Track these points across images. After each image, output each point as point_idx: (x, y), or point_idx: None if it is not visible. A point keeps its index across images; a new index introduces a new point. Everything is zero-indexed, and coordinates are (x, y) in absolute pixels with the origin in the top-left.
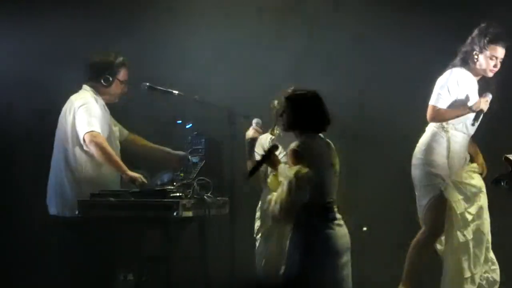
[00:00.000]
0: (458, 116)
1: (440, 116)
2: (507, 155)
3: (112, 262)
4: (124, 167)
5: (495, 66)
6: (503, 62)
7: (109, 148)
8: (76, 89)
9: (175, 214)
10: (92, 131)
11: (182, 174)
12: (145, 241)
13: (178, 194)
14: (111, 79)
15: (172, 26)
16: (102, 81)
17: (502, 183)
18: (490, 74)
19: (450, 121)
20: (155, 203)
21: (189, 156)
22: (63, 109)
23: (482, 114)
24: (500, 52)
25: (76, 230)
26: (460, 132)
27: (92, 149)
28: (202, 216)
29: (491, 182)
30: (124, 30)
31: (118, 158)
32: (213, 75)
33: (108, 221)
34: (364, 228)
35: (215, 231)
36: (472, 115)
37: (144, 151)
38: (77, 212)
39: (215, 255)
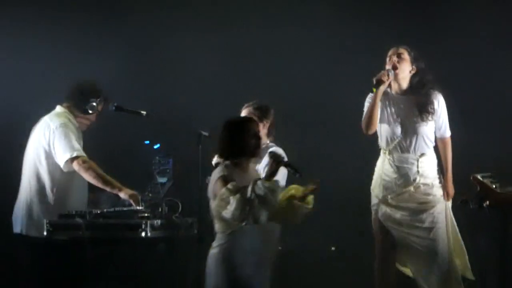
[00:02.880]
0: (373, 107)
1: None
2: (475, 175)
3: (80, 283)
4: (120, 185)
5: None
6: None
7: (100, 171)
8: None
9: (143, 234)
10: (79, 156)
11: (150, 194)
12: (113, 261)
13: (146, 214)
14: (95, 106)
15: (145, 46)
16: (86, 107)
17: (470, 204)
18: (384, 72)
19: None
20: (123, 224)
21: (157, 177)
22: (36, 129)
23: (381, 84)
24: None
25: (43, 250)
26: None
27: (84, 174)
28: (170, 237)
29: (459, 202)
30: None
31: (111, 178)
32: (182, 95)
33: (76, 241)
34: (333, 248)
35: (184, 251)
36: (401, 137)
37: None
38: (45, 233)
39: (183, 275)
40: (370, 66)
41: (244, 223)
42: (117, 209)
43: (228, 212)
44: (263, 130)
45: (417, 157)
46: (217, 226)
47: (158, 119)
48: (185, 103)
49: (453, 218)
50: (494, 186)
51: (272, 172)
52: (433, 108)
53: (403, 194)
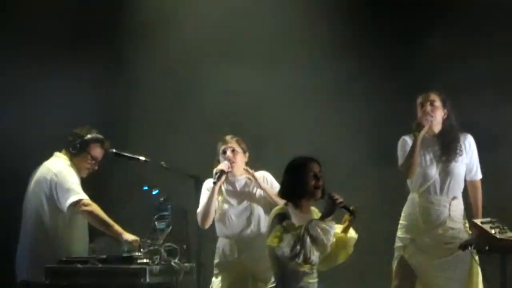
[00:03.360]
0: (413, 151)
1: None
2: (474, 220)
3: None
4: (121, 230)
5: (425, 110)
6: None
7: (103, 214)
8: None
9: (142, 280)
10: (81, 199)
11: (149, 241)
12: None
13: (145, 260)
14: (79, 147)
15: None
16: (71, 148)
17: (470, 248)
18: (426, 121)
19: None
20: (122, 270)
21: (156, 223)
22: (36, 175)
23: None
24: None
25: None
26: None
27: (87, 216)
28: (170, 282)
29: (459, 247)
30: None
31: (113, 222)
32: (179, 141)
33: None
34: None
35: None
36: (436, 178)
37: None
38: (45, 279)
39: None
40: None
41: (294, 262)
42: (117, 255)
43: (280, 249)
44: (244, 161)
45: (450, 200)
46: (272, 265)
47: (157, 164)
48: (182, 148)
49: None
50: (493, 232)
51: (328, 212)
52: (462, 149)
53: (431, 236)
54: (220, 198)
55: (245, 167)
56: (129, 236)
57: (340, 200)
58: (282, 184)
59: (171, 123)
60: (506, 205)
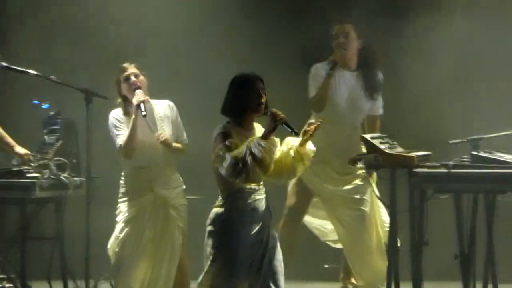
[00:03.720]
0: (326, 87)
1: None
2: (364, 135)
3: None
4: (14, 143)
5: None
6: None
7: None
8: None
9: (31, 194)
10: None
11: (38, 155)
12: (1, 221)
13: (35, 174)
14: None
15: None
16: None
17: (358, 163)
18: (339, 53)
19: None
20: (12, 184)
21: (45, 137)
22: None
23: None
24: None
25: None
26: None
27: None
28: (59, 197)
29: (348, 162)
30: None
31: (5, 134)
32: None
33: None
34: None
35: (72, 211)
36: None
37: None
38: None
39: (71, 235)
40: None
41: (237, 181)
42: (5, 168)
43: (222, 169)
44: (147, 84)
45: (352, 132)
46: (218, 183)
47: (47, 78)
48: (76, 63)
49: (376, 190)
50: (383, 147)
51: (270, 129)
52: (380, 87)
53: (331, 165)
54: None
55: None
56: (20, 150)
57: (281, 116)
58: (225, 101)
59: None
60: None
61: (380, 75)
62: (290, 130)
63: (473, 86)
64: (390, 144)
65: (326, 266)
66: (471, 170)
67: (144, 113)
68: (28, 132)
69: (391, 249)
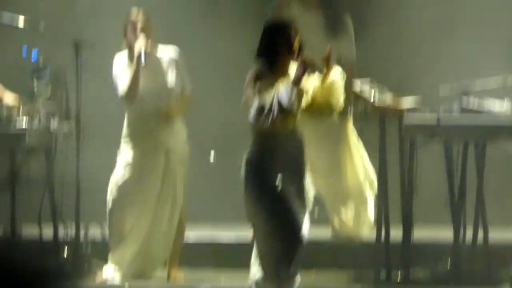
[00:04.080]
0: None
1: None
2: (354, 89)
3: None
4: (3, 90)
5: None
6: None
7: None
8: None
9: (21, 143)
10: None
11: (28, 103)
12: None
13: (24, 122)
14: None
15: None
16: None
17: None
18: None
19: None
20: (1, 131)
21: (35, 83)
22: None
23: None
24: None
25: None
26: None
27: None
28: (49, 143)
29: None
30: None
31: None
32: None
33: None
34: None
35: (62, 158)
36: None
37: None
38: None
39: (62, 181)
40: None
41: (261, 123)
42: None
43: (249, 113)
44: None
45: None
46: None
47: (35, 28)
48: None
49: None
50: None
51: (299, 75)
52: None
53: None
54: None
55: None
56: (9, 99)
57: (310, 59)
58: (259, 45)
59: None
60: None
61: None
62: (320, 71)
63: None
64: (380, 89)
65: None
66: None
67: (143, 63)
68: (16, 79)
69: (382, 195)
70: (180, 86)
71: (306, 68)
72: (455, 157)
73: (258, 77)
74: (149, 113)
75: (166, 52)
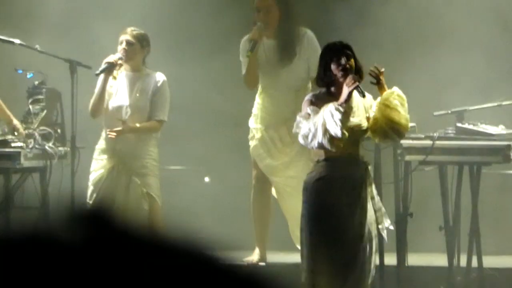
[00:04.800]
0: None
1: None
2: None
3: None
4: (12, 116)
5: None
6: None
7: None
8: None
9: (16, 164)
10: None
11: (23, 124)
12: None
13: (19, 144)
14: None
15: None
16: None
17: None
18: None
19: None
20: None
21: (30, 106)
22: None
23: (257, 44)
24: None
25: None
26: None
27: None
28: (43, 166)
29: None
30: None
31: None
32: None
33: None
34: (206, 179)
35: (57, 181)
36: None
37: None
38: None
39: (56, 204)
40: None
41: (314, 148)
42: None
43: (300, 136)
44: (142, 55)
45: (294, 95)
46: (310, 152)
47: (31, 48)
48: (61, 31)
49: None
50: None
51: (345, 96)
52: (298, 49)
53: (284, 132)
54: (111, 90)
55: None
56: (17, 122)
57: (354, 81)
58: (317, 71)
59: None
60: None
61: (306, 35)
62: (361, 94)
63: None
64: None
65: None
66: (456, 142)
67: (98, 70)
68: (12, 102)
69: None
70: (154, 111)
71: (350, 88)
72: (450, 181)
73: (311, 101)
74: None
75: (152, 77)
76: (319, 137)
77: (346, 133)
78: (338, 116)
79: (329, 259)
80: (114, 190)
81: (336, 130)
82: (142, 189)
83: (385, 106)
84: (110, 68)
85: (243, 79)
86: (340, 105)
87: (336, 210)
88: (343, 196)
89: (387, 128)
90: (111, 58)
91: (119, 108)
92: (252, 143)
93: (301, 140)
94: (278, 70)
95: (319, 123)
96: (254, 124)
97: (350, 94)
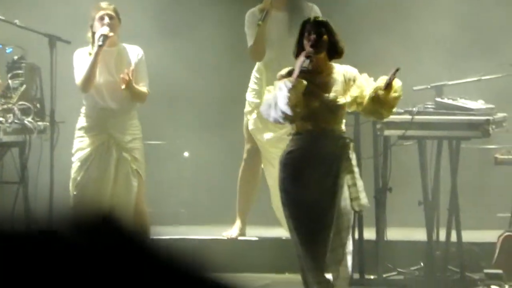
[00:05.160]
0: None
1: None
2: None
3: None
4: None
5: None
6: None
7: None
8: None
9: None
10: None
11: (2, 99)
12: None
13: None
14: None
15: None
16: None
17: None
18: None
19: None
20: None
21: (9, 81)
22: None
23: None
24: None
25: None
26: None
27: None
28: (22, 141)
29: None
30: None
31: None
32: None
33: None
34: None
35: (36, 155)
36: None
37: None
38: None
39: (35, 179)
40: None
41: (271, 121)
42: None
43: (260, 110)
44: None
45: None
46: None
47: (10, 22)
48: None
49: None
50: None
51: (297, 68)
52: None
53: None
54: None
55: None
56: None
57: (307, 51)
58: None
59: None
60: None
61: (313, 9)
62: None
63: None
64: None
65: None
66: (435, 116)
67: (100, 42)
68: None
69: None
70: (138, 83)
71: (299, 65)
72: (429, 156)
73: (284, 75)
74: (103, 108)
75: (130, 50)
76: (274, 112)
77: (297, 109)
78: (284, 91)
79: (298, 232)
80: (104, 167)
81: (282, 105)
82: (132, 165)
83: (382, 102)
84: (105, 41)
85: (249, 50)
86: (289, 80)
87: (303, 183)
88: (311, 170)
89: (372, 113)
90: (105, 30)
91: (103, 84)
92: (250, 117)
93: (263, 114)
94: (285, 42)
95: (272, 98)
96: (253, 98)
97: (299, 66)
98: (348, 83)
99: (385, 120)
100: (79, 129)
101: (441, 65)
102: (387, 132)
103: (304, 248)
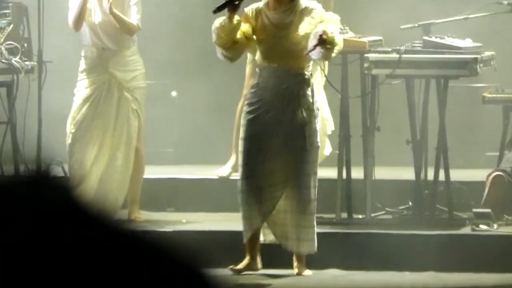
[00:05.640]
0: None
1: None
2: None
3: None
4: None
5: None
6: None
7: None
8: None
9: None
10: None
11: None
12: None
13: None
14: None
15: None
16: None
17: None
18: None
19: None
20: None
21: None
22: None
23: None
24: None
25: None
26: None
27: None
28: (10, 81)
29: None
30: None
31: None
32: None
33: None
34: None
35: (24, 95)
36: None
37: None
38: None
39: (23, 119)
40: None
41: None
42: None
43: None
44: None
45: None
46: None
47: None
48: None
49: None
50: None
51: (231, 8)
52: None
53: None
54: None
55: None
56: None
57: None
58: None
59: None
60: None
61: None
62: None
63: None
64: (342, 29)
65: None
66: (423, 55)
67: None
68: None
69: (344, 135)
70: (130, 16)
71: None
72: (417, 95)
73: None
74: (101, 47)
75: None
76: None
77: (228, 48)
78: (213, 27)
79: (249, 167)
80: (105, 106)
81: (220, 41)
82: (132, 105)
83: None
84: None
85: None
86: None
87: (260, 119)
88: (269, 106)
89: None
90: None
91: (99, 24)
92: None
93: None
94: None
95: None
96: None
97: (231, 8)
98: (305, 19)
99: (373, 59)
100: (81, 71)
101: (428, 3)
102: (374, 71)
103: (246, 182)
